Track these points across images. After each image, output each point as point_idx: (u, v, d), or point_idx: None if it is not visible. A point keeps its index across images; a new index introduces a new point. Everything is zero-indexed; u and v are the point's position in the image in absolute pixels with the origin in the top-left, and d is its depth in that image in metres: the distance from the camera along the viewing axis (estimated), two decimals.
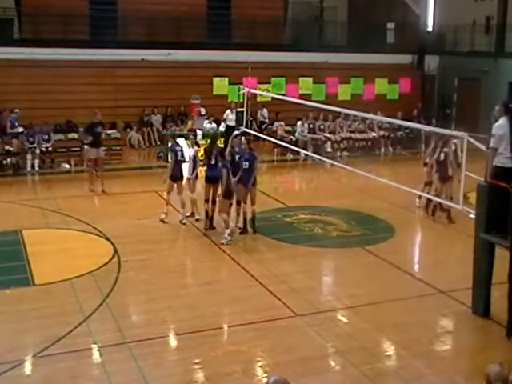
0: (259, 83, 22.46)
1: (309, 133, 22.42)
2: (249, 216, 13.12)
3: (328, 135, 22.79)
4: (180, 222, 13.53)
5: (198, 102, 22.16)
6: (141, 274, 10.87)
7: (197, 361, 8.02)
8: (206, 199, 13.16)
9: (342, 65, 25.40)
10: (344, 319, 9.42)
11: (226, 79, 23.60)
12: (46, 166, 19.05)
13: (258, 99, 22.44)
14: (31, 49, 20.86)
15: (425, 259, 12.72)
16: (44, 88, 20.61)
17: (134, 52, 22.05)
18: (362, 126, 23.67)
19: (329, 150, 22.54)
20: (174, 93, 22.49)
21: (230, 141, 13.36)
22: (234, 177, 12.53)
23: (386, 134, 23.60)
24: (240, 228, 13.04)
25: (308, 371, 7.80)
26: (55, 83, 20.86)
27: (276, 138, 19.43)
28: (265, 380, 7.20)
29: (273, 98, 20.93)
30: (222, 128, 21.05)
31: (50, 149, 19.35)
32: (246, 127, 17.42)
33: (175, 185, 13.72)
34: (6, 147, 18.67)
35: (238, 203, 12.98)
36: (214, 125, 21.55)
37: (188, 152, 13.97)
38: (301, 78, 24.92)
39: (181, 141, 17.96)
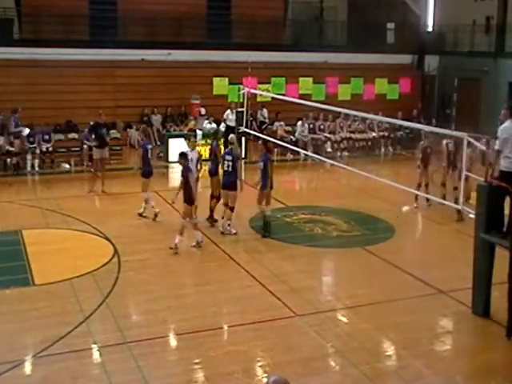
0: (259, 83, 22.47)
1: (309, 133, 22.43)
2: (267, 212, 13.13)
3: (328, 135, 22.79)
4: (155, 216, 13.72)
5: (198, 102, 22.17)
6: (141, 274, 10.87)
7: (197, 361, 8.03)
8: (211, 195, 13.29)
9: (342, 65, 25.42)
10: (344, 319, 9.42)
11: (226, 79, 23.61)
12: (46, 166, 19.05)
13: (258, 99, 22.44)
14: (31, 49, 20.88)
15: (425, 259, 12.69)
16: (44, 88, 20.62)
17: (133, 52, 22.07)
18: (362, 126, 23.68)
19: (329, 150, 22.54)
20: (174, 93, 22.50)
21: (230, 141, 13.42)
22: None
23: (386, 134, 23.60)
24: (235, 233, 12.99)
25: (308, 371, 7.80)
26: (55, 83, 20.87)
27: (276, 138, 19.42)
28: (265, 380, 7.21)
29: (273, 98, 20.94)
30: (222, 128, 21.05)
31: (50, 149, 19.35)
32: (246, 127, 17.42)
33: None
34: (7, 147, 18.66)
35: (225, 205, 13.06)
36: (214, 125, 21.56)
37: (190, 155, 13.48)
38: (301, 78, 24.94)
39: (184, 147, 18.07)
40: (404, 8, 27.92)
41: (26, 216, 14.03)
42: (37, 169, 18.70)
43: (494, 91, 25.01)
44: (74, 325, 8.82)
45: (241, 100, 18.23)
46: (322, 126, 22.90)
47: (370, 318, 9.32)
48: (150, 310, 9.52)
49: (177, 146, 19.68)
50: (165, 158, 20.21)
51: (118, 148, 20.59)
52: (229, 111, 20.74)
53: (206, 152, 20.32)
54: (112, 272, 10.85)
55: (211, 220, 13.47)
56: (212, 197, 13.49)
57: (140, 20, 22.54)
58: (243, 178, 13.55)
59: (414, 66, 28.10)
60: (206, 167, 14.42)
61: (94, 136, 16.97)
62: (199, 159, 13.68)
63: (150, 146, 14.77)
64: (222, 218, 13.12)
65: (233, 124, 19.02)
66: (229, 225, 13.00)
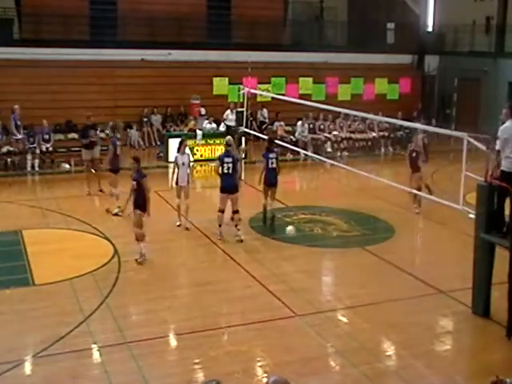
0: (259, 83, 22.48)
1: (309, 133, 22.43)
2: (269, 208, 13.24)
3: (328, 135, 22.79)
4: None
5: (198, 102, 22.18)
6: (141, 274, 10.88)
7: (197, 361, 8.03)
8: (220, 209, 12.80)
9: (342, 65, 25.42)
10: (344, 319, 9.43)
11: (226, 79, 23.61)
12: (46, 166, 19.04)
13: (258, 99, 22.44)
14: (31, 49, 20.87)
15: (425, 259, 12.71)
16: (44, 88, 20.63)
17: (134, 52, 22.07)
18: (362, 126, 23.68)
19: (329, 150, 22.54)
20: (174, 93, 22.50)
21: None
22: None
23: (386, 134, 23.59)
24: (241, 240, 12.64)
25: (308, 371, 7.80)
26: (55, 83, 20.88)
27: (276, 138, 19.41)
28: (265, 380, 7.20)
29: (273, 98, 20.94)
30: (222, 128, 21.05)
31: (50, 149, 19.35)
32: (246, 127, 17.42)
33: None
34: (6, 147, 18.65)
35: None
36: (214, 125, 21.57)
37: (180, 159, 13.21)
38: (301, 78, 24.94)
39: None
40: (404, 8, 27.93)
41: (26, 216, 14.04)
42: (37, 169, 18.69)
43: (494, 91, 25.01)
44: (74, 325, 8.82)
45: (241, 100, 18.24)
46: (322, 126, 22.90)
47: (370, 318, 9.32)
48: (150, 310, 9.52)
49: (177, 146, 19.72)
50: (165, 158, 20.19)
51: None
52: (229, 111, 20.75)
53: (206, 152, 20.44)
54: (112, 272, 10.85)
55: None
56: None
57: (140, 20, 22.53)
58: (243, 178, 13.56)
59: (414, 66, 28.11)
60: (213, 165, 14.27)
61: (85, 138, 16.94)
62: (190, 163, 13.45)
63: (118, 143, 14.92)
64: (219, 225, 12.78)
65: (233, 124, 19.03)
66: (238, 229, 12.63)
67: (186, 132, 21.09)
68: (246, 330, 8.92)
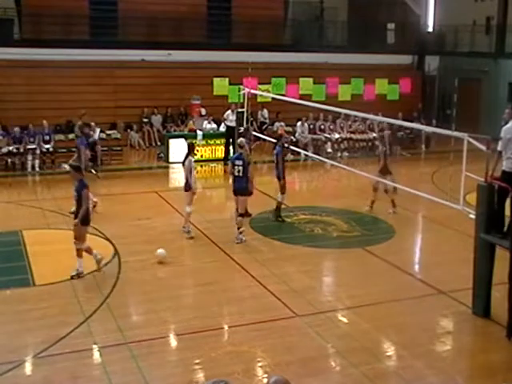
0: (259, 83, 22.47)
1: (309, 133, 22.42)
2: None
3: (328, 135, 22.79)
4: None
5: (198, 102, 22.18)
6: (141, 275, 10.87)
7: (197, 361, 8.03)
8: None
9: (343, 65, 25.44)
10: (344, 319, 9.42)
11: (227, 79, 23.62)
12: (46, 167, 19.04)
13: (259, 99, 22.44)
14: (31, 49, 20.88)
15: (425, 259, 12.71)
16: (44, 88, 20.64)
17: (134, 52, 22.08)
18: (363, 127, 23.67)
19: (329, 150, 22.54)
20: (174, 93, 22.51)
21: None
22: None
23: None
24: (244, 240, 12.58)
25: (308, 371, 7.80)
26: (55, 83, 20.89)
27: (276, 139, 19.41)
28: (265, 380, 7.21)
29: (273, 98, 20.94)
30: (222, 128, 21.05)
31: (50, 149, 19.35)
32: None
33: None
34: (6, 148, 18.66)
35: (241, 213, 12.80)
36: (214, 125, 21.57)
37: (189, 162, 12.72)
38: (301, 79, 24.95)
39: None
40: (404, 8, 27.93)
41: (26, 216, 14.03)
42: (37, 169, 18.69)
43: (494, 91, 25.03)
44: (75, 325, 8.82)
45: (241, 100, 18.24)
46: (322, 127, 22.91)
47: (371, 319, 9.31)
48: (151, 311, 9.52)
49: (177, 146, 19.75)
50: (165, 158, 20.20)
51: (118, 148, 20.60)
52: (229, 111, 20.74)
53: (206, 153, 20.44)
54: (112, 272, 10.84)
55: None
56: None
57: (140, 20, 22.54)
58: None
59: (414, 67, 28.11)
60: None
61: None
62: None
63: (85, 143, 15.28)
64: (238, 228, 12.67)
65: (233, 124, 19.04)
66: (240, 232, 12.54)
67: (186, 132, 21.11)
68: (247, 330, 8.92)
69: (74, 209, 12.79)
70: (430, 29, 28.59)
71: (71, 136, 20.61)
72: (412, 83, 27.24)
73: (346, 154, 22.52)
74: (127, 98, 22.03)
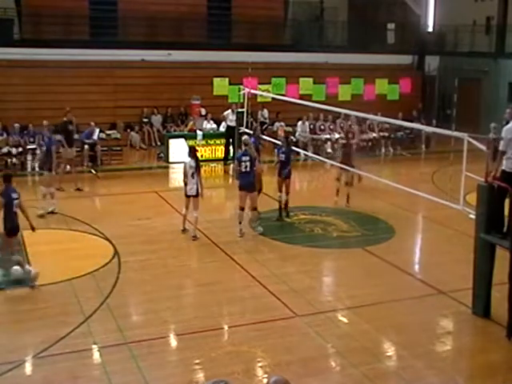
0: (259, 83, 22.47)
1: (309, 133, 22.41)
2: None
3: (328, 136, 22.78)
4: None
5: (198, 102, 22.17)
6: (141, 275, 10.87)
7: (197, 361, 8.03)
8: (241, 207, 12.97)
9: (343, 65, 25.43)
10: (344, 320, 9.42)
11: (227, 79, 23.61)
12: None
13: (259, 99, 22.43)
14: (31, 49, 20.87)
15: (425, 259, 12.71)
16: (44, 88, 20.62)
17: (134, 52, 22.07)
18: (363, 127, 23.63)
19: (329, 150, 22.53)
20: (174, 93, 22.50)
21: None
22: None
23: (387, 134, 23.58)
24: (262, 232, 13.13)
25: (308, 371, 7.80)
26: (55, 83, 20.88)
27: (276, 139, 19.42)
28: (265, 380, 7.21)
29: (273, 98, 20.93)
30: (222, 128, 21.05)
31: None
32: (247, 128, 17.43)
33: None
34: (6, 148, 18.64)
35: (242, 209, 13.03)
36: (214, 125, 21.57)
37: (188, 163, 12.69)
38: (301, 79, 24.93)
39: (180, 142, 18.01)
40: (404, 8, 27.93)
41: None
42: (37, 169, 18.66)
43: (495, 91, 25.03)
44: (75, 325, 8.81)
45: (241, 100, 18.24)
46: (322, 127, 22.91)
47: (371, 319, 9.31)
48: (151, 311, 9.52)
49: (177, 146, 19.76)
50: (165, 158, 20.20)
51: (118, 148, 20.59)
52: (230, 111, 20.73)
53: (206, 153, 20.44)
54: (112, 272, 10.84)
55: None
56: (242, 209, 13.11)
57: (140, 20, 22.54)
58: (241, 183, 13.44)
59: (414, 67, 28.10)
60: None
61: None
62: (198, 167, 12.70)
63: (55, 142, 15.03)
64: (240, 223, 12.88)
65: (233, 124, 19.04)
66: (259, 224, 13.13)
67: (186, 132, 21.11)
68: (247, 330, 8.92)
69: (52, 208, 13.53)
70: (430, 29, 28.58)
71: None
72: (412, 83, 27.22)
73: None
74: (127, 98, 22.02)
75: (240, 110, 18.07)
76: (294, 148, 14.45)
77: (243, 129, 17.36)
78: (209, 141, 20.59)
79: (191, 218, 12.81)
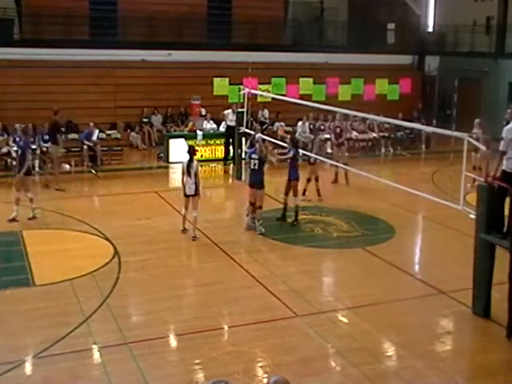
0: (259, 83, 22.46)
1: (310, 133, 22.40)
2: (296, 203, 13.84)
3: (328, 136, 22.76)
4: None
5: (198, 102, 22.17)
6: (141, 275, 10.87)
7: (197, 361, 8.03)
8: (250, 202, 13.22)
9: (343, 65, 25.43)
10: (344, 320, 9.42)
11: (227, 79, 23.60)
12: (46, 167, 19.01)
13: (259, 99, 22.42)
14: (31, 49, 20.87)
15: (425, 259, 12.72)
16: (44, 88, 20.61)
17: (134, 52, 22.06)
18: (363, 127, 23.66)
19: (329, 150, 22.50)
20: (174, 93, 22.49)
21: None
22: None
23: (387, 134, 23.58)
24: (263, 232, 13.05)
25: (308, 372, 7.80)
26: (55, 83, 20.87)
27: (276, 139, 19.41)
28: (265, 380, 7.21)
29: (273, 98, 20.93)
30: (222, 128, 21.04)
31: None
32: (247, 127, 17.42)
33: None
34: (6, 148, 18.64)
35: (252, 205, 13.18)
36: (214, 125, 21.57)
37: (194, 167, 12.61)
38: (301, 79, 24.92)
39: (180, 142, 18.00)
40: (404, 8, 27.92)
41: (26, 216, 13.99)
42: (37, 169, 18.66)
43: (495, 92, 25.03)
44: (75, 325, 8.81)
45: (241, 100, 18.23)
46: (322, 127, 22.89)
47: (371, 319, 9.31)
48: (151, 311, 9.52)
49: (177, 146, 19.74)
50: (165, 158, 20.19)
51: (118, 148, 20.59)
52: (230, 110, 20.70)
53: (206, 153, 20.43)
54: (112, 272, 10.84)
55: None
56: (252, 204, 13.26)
57: (140, 20, 22.54)
58: (243, 178, 13.58)
59: (414, 67, 28.10)
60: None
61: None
62: (192, 166, 12.59)
63: (29, 145, 14.89)
64: (247, 215, 13.23)
65: (233, 124, 19.02)
66: (260, 224, 13.07)
67: (186, 132, 21.10)
68: (247, 330, 8.92)
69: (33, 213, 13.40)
70: (430, 29, 28.57)
71: (71, 136, 20.66)
72: (412, 83, 27.21)
73: (346, 153, 22.45)
74: (127, 98, 22.02)
75: (240, 109, 18.05)
76: (300, 150, 14.34)
77: (243, 129, 17.34)
78: (209, 141, 20.59)
79: (191, 218, 12.83)
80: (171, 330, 9.04)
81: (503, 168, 9.17)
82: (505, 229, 9.10)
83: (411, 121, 21.09)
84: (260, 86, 21.97)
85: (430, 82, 28.09)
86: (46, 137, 19.38)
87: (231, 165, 19.51)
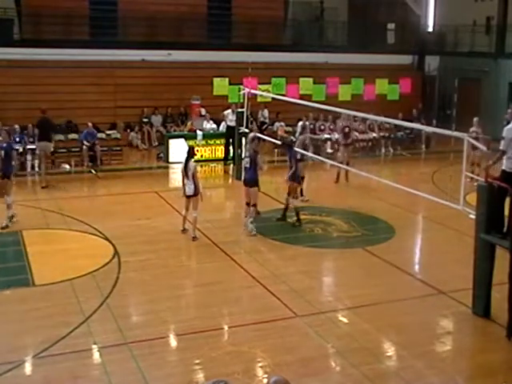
0: (259, 83, 22.45)
1: (310, 133, 22.40)
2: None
3: (328, 136, 22.78)
4: None
5: (198, 102, 22.17)
6: (141, 275, 10.87)
7: (197, 361, 8.02)
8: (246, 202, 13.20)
9: (343, 65, 25.43)
10: (344, 320, 9.42)
11: (227, 79, 23.61)
12: (46, 167, 18.99)
13: (259, 99, 22.42)
14: (31, 49, 20.87)
15: (425, 259, 12.71)
16: (44, 88, 20.61)
17: (134, 52, 22.06)
18: (363, 127, 23.65)
19: (329, 150, 22.52)
20: (174, 93, 22.49)
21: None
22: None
23: (387, 134, 23.57)
24: (255, 234, 12.96)
25: (308, 372, 7.80)
26: (55, 83, 20.87)
27: (276, 139, 19.41)
28: (265, 380, 7.21)
29: (273, 98, 20.93)
30: (222, 128, 21.04)
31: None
32: (247, 128, 17.41)
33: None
34: None
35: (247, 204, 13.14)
36: (214, 125, 21.56)
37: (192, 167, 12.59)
38: (301, 79, 24.93)
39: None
40: (404, 8, 27.92)
41: (26, 216, 14.00)
42: (37, 169, 18.66)
43: (495, 92, 25.02)
44: (75, 325, 8.81)
45: (241, 100, 18.23)
46: (322, 127, 22.90)
47: (371, 319, 9.31)
48: (151, 311, 9.52)
49: (177, 146, 19.74)
50: (165, 158, 20.19)
51: (118, 148, 20.58)
52: (230, 110, 20.70)
53: (206, 153, 20.43)
54: (112, 272, 10.84)
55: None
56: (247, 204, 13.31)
57: (140, 20, 22.54)
58: (243, 178, 13.57)
59: (414, 67, 28.10)
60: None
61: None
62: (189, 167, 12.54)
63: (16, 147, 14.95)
64: (245, 216, 13.19)
65: (233, 124, 19.02)
66: (251, 222, 12.94)
67: (186, 132, 21.10)
68: (247, 330, 8.92)
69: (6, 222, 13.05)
70: (430, 29, 28.57)
71: (71, 136, 20.65)
72: (412, 83, 27.21)
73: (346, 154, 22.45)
74: (127, 98, 22.02)
75: (240, 109, 18.05)
76: (296, 149, 14.26)
77: (243, 129, 17.34)
78: (209, 141, 20.59)
79: (191, 218, 12.83)
80: (171, 329, 9.03)
81: (503, 168, 9.17)
82: (505, 229, 9.10)
83: (411, 121, 21.08)
84: (260, 86, 21.97)
85: (429, 81, 28.09)
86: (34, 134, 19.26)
87: (231, 165, 19.50)
